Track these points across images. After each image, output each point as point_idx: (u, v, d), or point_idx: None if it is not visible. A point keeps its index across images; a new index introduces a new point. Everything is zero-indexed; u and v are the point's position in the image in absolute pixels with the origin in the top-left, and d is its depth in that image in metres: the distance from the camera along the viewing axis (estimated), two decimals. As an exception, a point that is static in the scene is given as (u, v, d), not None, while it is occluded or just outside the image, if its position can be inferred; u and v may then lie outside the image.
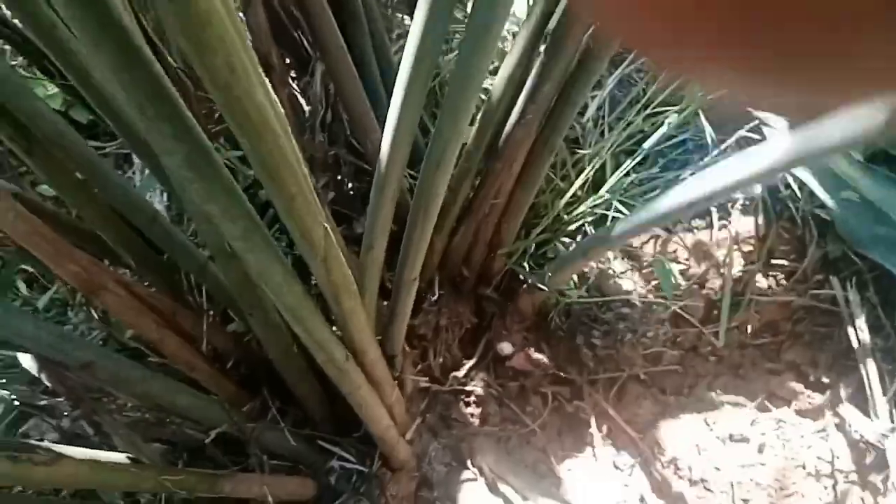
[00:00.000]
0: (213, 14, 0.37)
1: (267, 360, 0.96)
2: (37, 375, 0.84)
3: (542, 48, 0.88)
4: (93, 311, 0.98)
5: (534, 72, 0.88)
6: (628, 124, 1.40)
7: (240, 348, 0.99)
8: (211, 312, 0.97)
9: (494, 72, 1.49)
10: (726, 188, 0.75)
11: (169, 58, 0.76)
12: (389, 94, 0.92)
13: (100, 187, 0.75)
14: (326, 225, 0.59)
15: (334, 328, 0.79)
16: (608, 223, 1.34)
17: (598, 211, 1.28)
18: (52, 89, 1.44)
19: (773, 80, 0.15)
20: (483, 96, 1.31)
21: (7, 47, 0.99)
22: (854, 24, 0.12)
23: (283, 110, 0.50)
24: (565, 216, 1.28)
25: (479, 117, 0.98)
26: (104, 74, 0.42)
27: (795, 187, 1.38)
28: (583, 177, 1.29)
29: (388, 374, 0.92)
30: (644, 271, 1.41)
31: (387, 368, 0.92)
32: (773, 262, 1.40)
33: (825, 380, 1.28)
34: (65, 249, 0.68)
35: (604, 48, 0.83)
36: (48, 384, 0.79)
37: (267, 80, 0.47)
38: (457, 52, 1.39)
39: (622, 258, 1.41)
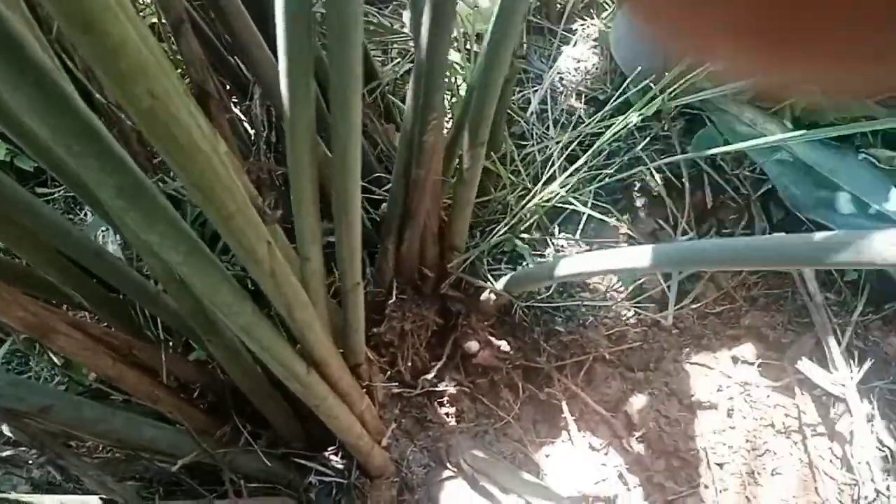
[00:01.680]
0: (127, 42, 0.37)
1: (233, 384, 0.96)
2: (-3, 427, 0.83)
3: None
4: (53, 357, 0.97)
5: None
6: (573, 116, 1.42)
7: (204, 376, 0.98)
8: (171, 343, 0.97)
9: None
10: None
11: (97, 94, 0.75)
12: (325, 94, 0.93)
13: (41, 231, 0.74)
14: (270, 240, 0.59)
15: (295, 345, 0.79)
16: (562, 217, 1.37)
17: (550, 204, 1.30)
18: (-6, 141, 1.43)
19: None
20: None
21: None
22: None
23: (211, 130, 0.51)
24: (519, 211, 1.30)
25: (402, 124, 0.99)
26: (29, 117, 0.42)
27: (733, 159, 1.42)
28: (530, 171, 1.31)
29: (354, 383, 0.93)
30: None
31: (352, 377, 0.92)
32: (724, 231, 1.44)
33: (784, 340, 1.32)
34: (10, 296, 0.68)
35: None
36: (9, 434, 0.78)
37: (194, 103, 0.47)
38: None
39: (579, 246, 1.43)
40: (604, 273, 1.33)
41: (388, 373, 1.21)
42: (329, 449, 1.07)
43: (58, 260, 0.80)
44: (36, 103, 0.42)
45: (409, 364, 1.24)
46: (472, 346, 1.27)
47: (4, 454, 0.82)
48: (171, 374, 0.89)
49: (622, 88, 1.34)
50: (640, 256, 0.89)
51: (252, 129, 1.19)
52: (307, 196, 0.69)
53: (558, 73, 1.65)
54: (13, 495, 0.87)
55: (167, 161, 0.46)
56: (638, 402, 1.29)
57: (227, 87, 1.20)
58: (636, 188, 1.49)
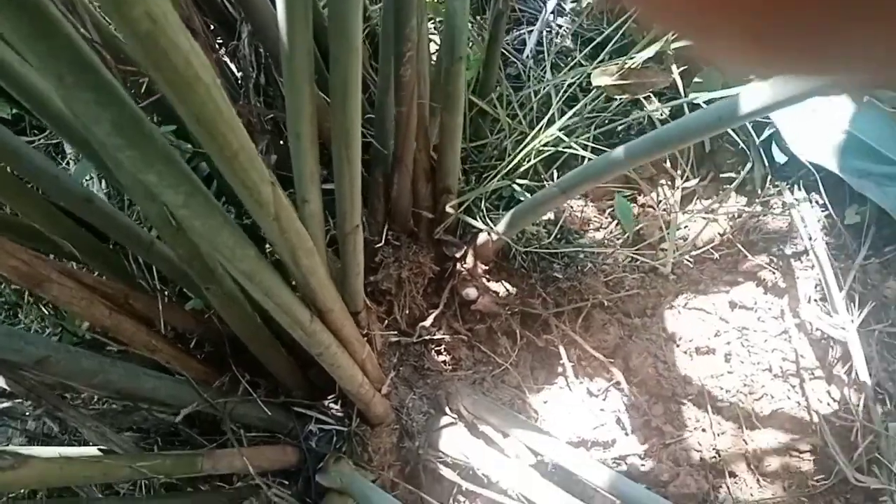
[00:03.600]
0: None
1: (231, 333, 0.94)
2: (-9, 379, 0.80)
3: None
4: (43, 308, 0.94)
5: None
6: (569, 58, 1.38)
7: (201, 325, 0.96)
8: (166, 293, 0.94)
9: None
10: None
11: (83, 30, 0.71)
12: (321, 48, 0.89)
13: (30, 177, 0.71)
14: (274, 180, 0.56)
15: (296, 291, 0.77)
16: (559, 163, 1.34)
17: (549, 149, 1.27)
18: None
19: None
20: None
21: None
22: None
23: (209, 64, 0.47)
24: (516, 156, 1.27)
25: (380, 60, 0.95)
26: (18, 46, 0.39)
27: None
28: (527, 113, 1.27)
29: (356, 331, 0.91)
30: (599, 203, 1.42)
31: (354, 325, 0.90)
32: (722, 175, 1.42)
33: (782, 284, 1.32)
34: (0, 245, 0.65)
35: None
36: (5, 386, 0.76)
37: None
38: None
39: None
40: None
41: (386, 321, 1.19)
42: (329, 397, 1.06)
43: (47, 208, 0.77)
44: (26, 29, 0.39)
45: (406, 312, 1.23)
46: (471, 292, 1.25)
47: (1, 406, 0.80)
48: (167, 324, 0.87)
49: (622, 30, 1.30)
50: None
51: (240, 71, 1.14)
52: (306, 132, 0.65)
53: (553, 12, 1.60)
54: (10, 447, 0.86)
55: (167, 93, 0.43)
56: (635, 347, 1.28)
57: (213, 28, 1.15)
58: (634, 132, 1.46)
